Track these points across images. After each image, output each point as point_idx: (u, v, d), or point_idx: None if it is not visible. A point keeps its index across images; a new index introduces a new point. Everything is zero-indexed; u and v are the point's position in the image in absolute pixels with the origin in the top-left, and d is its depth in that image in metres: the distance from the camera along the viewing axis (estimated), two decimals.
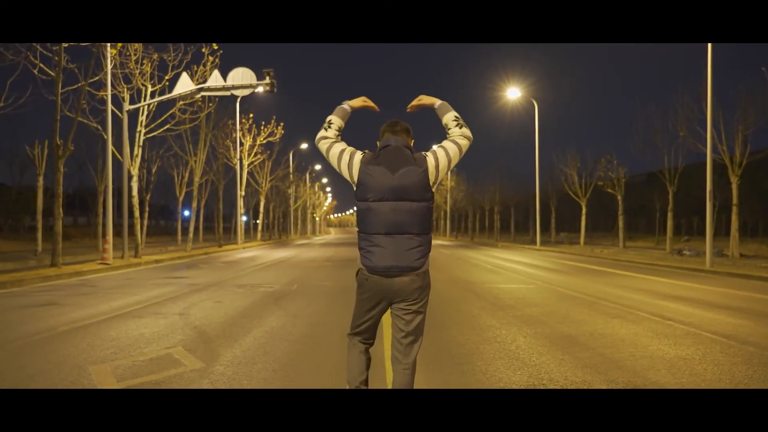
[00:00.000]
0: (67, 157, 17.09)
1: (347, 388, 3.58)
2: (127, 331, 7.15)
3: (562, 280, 14.65)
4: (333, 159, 3.48)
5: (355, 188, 3.42)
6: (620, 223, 36.32)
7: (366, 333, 3.55)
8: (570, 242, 42.63)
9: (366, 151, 3.47)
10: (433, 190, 3.40)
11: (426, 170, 3.33)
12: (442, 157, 3.39)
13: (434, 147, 3.49)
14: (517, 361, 5.61)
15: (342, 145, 3.51)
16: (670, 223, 30.38)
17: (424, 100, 3.69)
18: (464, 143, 3.48)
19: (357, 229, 3.49)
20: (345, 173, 3.44)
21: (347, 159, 3.42)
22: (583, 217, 40.13)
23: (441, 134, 3.73)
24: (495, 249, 35.23)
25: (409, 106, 3.76)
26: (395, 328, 3.45)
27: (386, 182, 3.30)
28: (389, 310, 3.50)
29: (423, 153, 3.43)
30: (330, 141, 3.54)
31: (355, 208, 3.60)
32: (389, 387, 3.89)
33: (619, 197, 35.46)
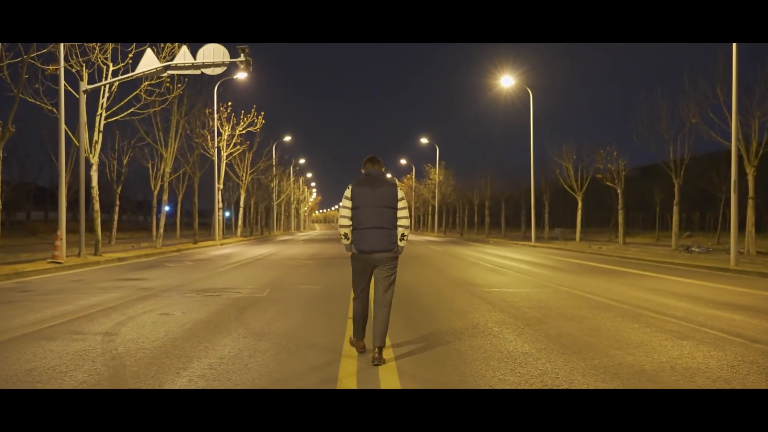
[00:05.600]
0: (40, 149, 14.93)
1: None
2: (15, 365, 5.02)
3: (577, 281, 12.67)
4: (344, 210, 5.34)
5: (351, 203, 5.28)
6: (620, 219, 34.54)
7: (364, 292, 5.40)
8: (564, 238, 40.79)
9: (350, 186, 5.33)
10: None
11: (396, 190, 5.30)
12: (404, 203, 5.30)
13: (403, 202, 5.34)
14: None
15: (345, 211, 5.36)
16: (675, 217, 28.64)
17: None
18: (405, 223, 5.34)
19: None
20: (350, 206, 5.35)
21: (347, 202, 5.32)
22: (579, 212, 38.22)
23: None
24: (487, 245, 33.23)
25: None
26: (377, 283, 5.30)
27: (369, 196, 5.21)
28: (373, 277, 5.36)
29: (397, 182, 5.82)
30: (345, 218, 5.36)
31: (339, 204, 5.56)
32: (373, 322, 5.20)
33: (618, 191, 33.66)
